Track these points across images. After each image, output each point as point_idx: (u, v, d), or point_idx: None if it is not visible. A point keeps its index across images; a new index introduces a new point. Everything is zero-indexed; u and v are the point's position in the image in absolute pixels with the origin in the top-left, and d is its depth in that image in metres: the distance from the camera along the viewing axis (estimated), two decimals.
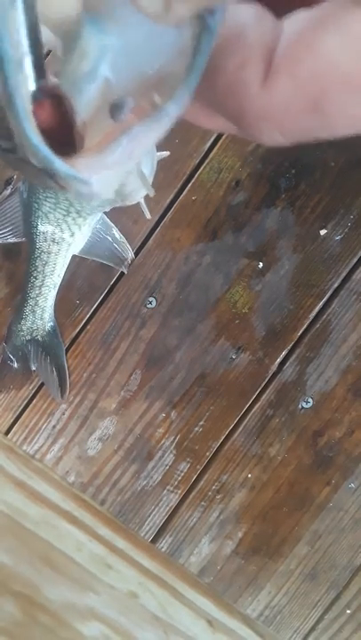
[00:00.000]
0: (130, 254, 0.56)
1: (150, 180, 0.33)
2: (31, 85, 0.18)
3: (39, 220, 0.49)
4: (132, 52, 0.18)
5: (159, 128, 0.18)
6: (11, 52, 0.16)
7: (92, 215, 0.48)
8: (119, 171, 0.21)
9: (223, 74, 0.18)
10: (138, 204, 0.45)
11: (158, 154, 0.45)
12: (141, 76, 0.18)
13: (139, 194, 0.34)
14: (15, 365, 0.59)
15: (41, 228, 0.50)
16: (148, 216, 0.45)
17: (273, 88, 0.17)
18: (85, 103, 0.19)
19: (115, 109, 0.18)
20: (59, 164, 0.18)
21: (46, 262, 0.53)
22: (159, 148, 0.40)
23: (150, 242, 0.58)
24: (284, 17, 0.18)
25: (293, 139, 0.19)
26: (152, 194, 0.32)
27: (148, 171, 0.32)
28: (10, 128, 0.18)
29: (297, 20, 0.17)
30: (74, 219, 0.48)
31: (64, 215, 0.47)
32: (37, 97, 0.18)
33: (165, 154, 0.48)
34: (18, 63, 0.17)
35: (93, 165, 0.19)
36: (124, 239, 0.55)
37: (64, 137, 0.20)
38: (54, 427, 0.60)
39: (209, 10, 0.17)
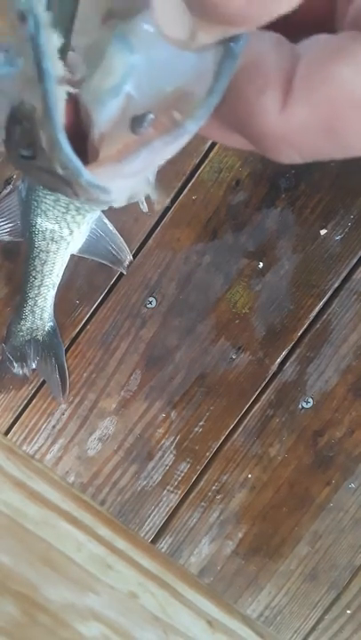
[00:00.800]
0: (128, 256, 0.56)
1: (152, 181, 0.34)
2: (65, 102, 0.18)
3: (38, 219, 0.49)
4: (155, 70, 0.19)
5: (177, 143, 0.19)
6: (52, 69, 0.17)
7: (91, 213, 0.48)
8: (136, 180, 0.21)
9: (243, 99, 0.19)
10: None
11: None
12: (162, 93, 0.19)
13: (141, 195, 0.34)
14: (15, 369, 0.59)
15: (40, 226, 0.50)
16: (145, 209, 0.45)
17: (291, 114, 0.18)
18: (106, 116, 0.19)
19: (136, 123, 0.19)
20: (86, 174, 0.19)
21: (45, 261, 0.53)
22: None
23: (150, 242, 0.58)
24: (299, 42, 0.19)
25: (311, 159, 0.20)
26: (154, 195, 0.32)
27: (152, 174, 0.32)
28: (32, 137, 0.19)
29: (313, 48, 0.18)
30: (73, 216, 0.48)
31: (63, 213, 0.47)
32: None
33: None
34: (58, 80, 0.17)
35: (112, 174, 0.19)
36: (121, 240, 0.55)
37: (77, 144, 0.20)
38: (54, 427, 0.60)
39: (232, 37, 0.17)
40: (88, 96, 0.19)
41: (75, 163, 0.18)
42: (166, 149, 0.19)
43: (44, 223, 0.49)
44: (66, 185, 0.20)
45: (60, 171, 0.19)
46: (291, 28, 0.20)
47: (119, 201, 0.23)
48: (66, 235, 0.51)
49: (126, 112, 0.19)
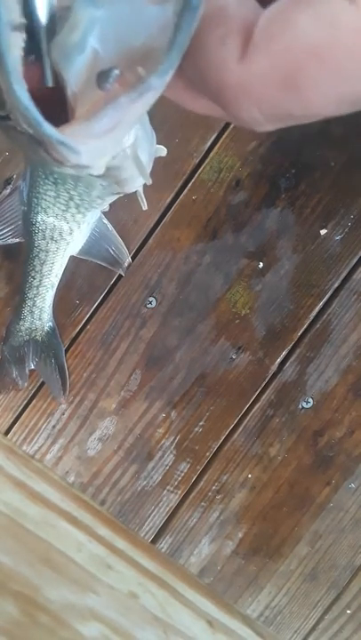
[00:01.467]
0: (127, 258, 0.56)
1: (148, 169, 0.33)
2: (21, 50, 0.18)
3: (38, 216, 0.49)
4: (119, 24, 0.18)
5: (143, 100, 0.19)
6: (4, 14, 0.17)
7: (92, 211, 0.48)
8: (108, 141, 0.21)
9: (204, 49, 0.19)
10: (136, 194, 0.45)
11: (157, 146, 0.45)
12: (127, 49, 0.19)
13: (136, 181, 0.34)
14: (14, 376, 0.59)
15: (40, 224, 0.50)
16: (145, 207, 0.45)
17: (250, 63, 0.18)
18: (75, 74, 0.19)
19: (101, 78, 0.19)
20: (46, 127, 0.19)
21: (44, 261, 0.53)
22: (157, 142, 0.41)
23: (150, 242, 0.58)
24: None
25: (271, 117, 0.20)
26: (149, 182, 0.33)
27: (146, 158, 0.32)
28: (2, 95, 0.19)
29: (277, 3, 0.18)
30: (73, 215, 0.48)
31: (63, 210, 0.47)
32: (30, 63, 0.19)
33: (163, 151, 0.47)
34: (10, 26, 0.17)
35: (81, 133, 0.19)
36: (121, 242, 0.55)
37: (59, 112, 0.20)
38: (54, 427, 0.60)
39: None
40: (57, 53, 0.19)
41: (32, 112, 0.18)
42: (133, 106, 0.19)
43: (44, 221, 0.49)
44: (38, 145, 0.20)
45: (24, 125, 0.19)
46: None
47: (96, 166, 0.23)
48: (66, 234, 0.50)
49: (94, 69, 0.19)
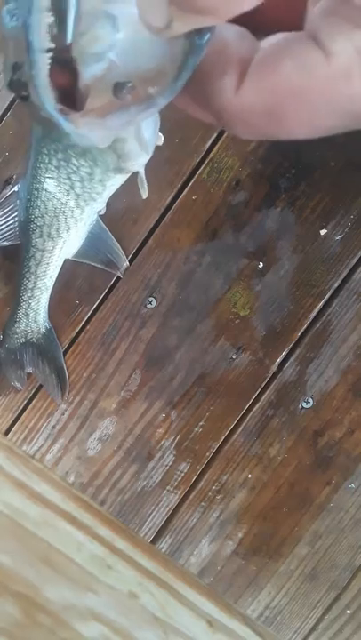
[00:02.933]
0: (124, 262, 0.56)
1: (151, 145, 0.37)
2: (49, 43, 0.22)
3: (37, 211, 0.49)
4: (136, 48, 0.23)
5: (148, 112, 0.24)
6: (37, 43, 0.22)
7: (89, 208, 0.48)
8: (112, 134, 0.26)
9: (207, 78, 0.23)
10: (135, 196, 0.46)
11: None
12: (141, 69, 0.23)
13: (138, 156, 0.38)
14: (11, 378, 0.59)
15: (38, 221, 0.50)
16: (145, 195, 0.46)
17: (242, 95, 0.22)
18: (90, 72, 0.23)
19: (118, 88, 0.23)
20: (62, 121, 0.23)
21: (39, 262, 0.53)
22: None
23: (150, 242, 0.58)
24: (265, 38, 0.23)
25: (261, 136, 0.25)
26: (149, 154, 0.37)
27: (150, 134, 0.36)
28: (26, 83, 0.23)
29: (271, 43, 0.22)
30: (71, 209, 0.48)
31: (62, 204, 0.47)
32: (56, 59, 0.23)
33: (160, 139, 0.48)
34: (41, 50, 0.22)
35: (94, 125, 0.24)
36: (117, 245, 0.55)
37: (68, 91, 0.24)
38: (54, 427, 0.60)
39: (199, 31, 0.21)
40: (77, 52, 0.23)
41: (51, 111, 0.23)
42: (139, 115, 0.24)
43: (42, 216, 0.49)
44: (52, 124, 0.24)
45: (42, 112, 0.24)
46: (265, 25, 0.23)
47: (102, 144, 0.27)
48: (63, 230, 0.50)
49: (109, 75, 0.23)
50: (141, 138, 0.34)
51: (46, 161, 0.43)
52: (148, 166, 0.57)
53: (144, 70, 0.23)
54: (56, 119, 0.24)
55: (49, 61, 0.23)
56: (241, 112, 0.23)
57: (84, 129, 0.24)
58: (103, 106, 0.24)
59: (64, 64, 0.24)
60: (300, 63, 0.21)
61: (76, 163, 0.41)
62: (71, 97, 0.25)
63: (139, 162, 0.39)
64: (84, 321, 0.59)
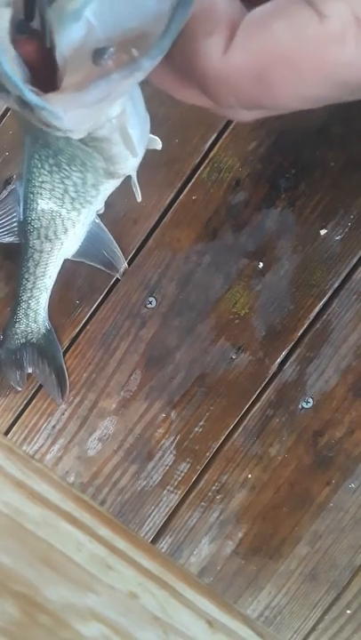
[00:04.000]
0: (122, 263, 0.56)
1: (140, 149, 0.36)
2: (9, 19, 0.21)
3: (33, 213, 0.49)
4: (116, 5, 0.21)
5: (132, 78, 0.21)
6: None
7: (87, 208, 0.48)
8: (93, 110, 0.23)
9: (193, 40, 0.21)
10: (133, 194, 0.46)
11: (152, 137, 0.45)
12: (122, 29, 0.21)
13: (126, 160, 0.37)
14: (11, 379, 0.59)
15: (35, 223, 0.50)
16: (139, 198, 0.46)
17: (231, 57, 0.21)
18: (67, 40, 0.21)
19: (97, 54, 0.21)
20: (28, 93, 0.21)
21: (38, 263, 0.53)
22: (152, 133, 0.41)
23: (150, 242, 0.58)
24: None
25: (245, 105, 0.23)
26: (135, 156, 0.35)
27: (137, 136, 0.34)
28: None
29: (260, 8, 0.21)
30: (68, 211, 0.48)
31: (59, 207, 0.47)
32: (21, 31, 0.21)
33: (158, 143, 0.48)
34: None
35: (70, 102, 0.22)
36: (116, 246, 0.55)
37: (48, 77, 0.22)
38: (54, 427, 0.60)
39: None
40: (53, 16, 0.21)
41: (14, 80, 0.21)
42: (122, 83, 0.21)
43: (39, 219, 0.49)
44: (27, 108, 0.23)
45: (10, 88, 0.22)
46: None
47: (78, 130, 0.25)
48: (60, 233, 0.50)
49: (88, 42, 0.21)
50: (127, 136, 0.32)
51: (39, 166, 0.43)
52: (148, 166, 0.57)
53: (125, 31, 0.21)
54: (25, 94, 0.21)
55: (9, 15, 0.20)
56: (227, 76, 0.21)
57: (58, 107, 0.22)
58: (81, 78, 0.22)
59: (33, 35, 0.22)
60: (292, 24, 0.20)
61: (67, 168, 0.41)
62: (49, 83, 0.22)
63: (128, 165, 0.38)
64: (84, 321, 0.59)
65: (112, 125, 0.30)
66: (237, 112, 0.26)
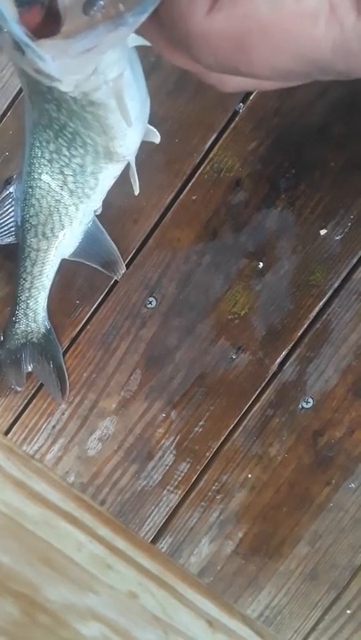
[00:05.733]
0: (121, 265, 0.56)
1: (138, 124, 0.37)
2: None
3: (31, 210, 0.49)
4: None
5: (118, 32, 0.23)
6: None
7: (84, 206, 0.48)
8: (81, 62, 0.25)
9: (179, 1, 0.23)
10: (130, 186, 0.46)
11: (150, 128, 0.46)
12: None
13: (124, 135, 0.37)
14: (11, 379, 0.59)
15: (32, 220, 0.50)
16: (137, 191, 0.46)
17: (213, 19, 0.22)
18: None
19: (88, 5, 0.23)
20: (14, 26, 0.23)
21: (35, 262, 0.53)
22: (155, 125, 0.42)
23: (150, 242, 0.58)
24: None
25: (224, 68, 0.25)
26: (130, 125, 0.36)
27: (136, 109, 0.35)
28: None
29: None
30: (66, 207, 0.48)
31: (57, 201, 0.47)
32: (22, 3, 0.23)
33: (156, 136, 0.48)
34: None
35: (58, 48, 0.23)
36: (114, 247, 0.55)
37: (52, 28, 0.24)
38: (54, 427, 0.60)
39: None
40: None
41: (5, 15, 0.22)
42: (108, 36, 0.23)
43: (36, 216, 0.49)
44: (20, 51, 0.24)
45: (6, 28, 0.23)
46: None
47: (66, 81, 0.27)
48: (57, 230, 0.50)
49: None
50: (122, 103, 0.33)
51: (39, 155, 0.43)
52: (148, 166, 0.57)
53: None
54: (13, 30, 0.23)
55: None
56: (209, 36, 0.23)
57: (47, 53, 0.23)
58: (71, 28, 0.23)
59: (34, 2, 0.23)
60: None
61: (67, 154, 0.41)
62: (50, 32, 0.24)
63: (126, 142, 0.39)
64: (84, 321, 0.59)
65: (108, 88, 0.32)
66: (222, 79, 0.28)
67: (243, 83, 0.29)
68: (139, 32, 0.25)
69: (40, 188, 0.47)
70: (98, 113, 0.35)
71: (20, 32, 0.23)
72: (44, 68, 0.25)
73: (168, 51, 0.27)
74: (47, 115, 0.37)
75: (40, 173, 0.45)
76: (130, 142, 0.39)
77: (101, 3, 0.23)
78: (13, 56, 0.26)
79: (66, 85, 0.29)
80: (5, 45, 0.25)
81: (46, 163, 0.43)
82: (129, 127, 0.37)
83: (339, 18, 0.21)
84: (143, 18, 0.23)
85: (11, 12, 0.23)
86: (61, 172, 0.44)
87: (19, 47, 0.24)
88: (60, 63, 0.24)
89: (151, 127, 0.46)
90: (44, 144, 0.42)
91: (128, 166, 0.45)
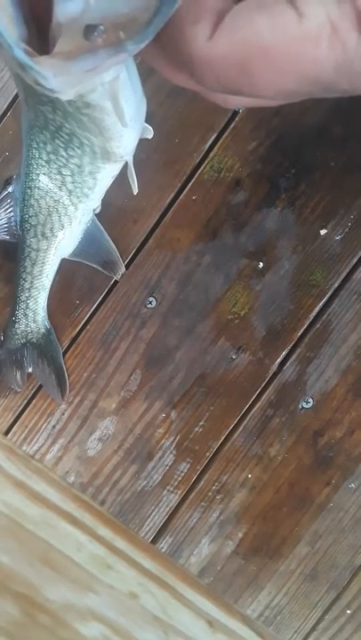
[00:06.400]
0: (120, 265, 0.56)
1: (134, 125, 0.37)
2: None
3: (31, 210, 0.49)
4: None
5: (118, 58, 0.23)
6: None
7: (84, 203, 0.48)
8: (81, 79, 0.25)
9: (181, 24, 0.23)
10: (129, 185, 0.46)
11: (145, 125, 0.46)
12: (114, 12, 0.23)
13: (120, 135, 0.38)
14: (11, 379, 0.59)
15: (31, 220, 0.50)
16: (136, 191, 0.46)
17: (215, 44, 0.23)
18: (65, 10, 0.24)
19: (89, 30, 0.23)
20: (18, 52, 0.23)
21: (35, 261, 0.53)
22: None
23: (150, 242, 0.58)
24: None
25: (228, 91, 0.25)
26: (125, 126, 0.37)
27: (131, 110, 0.35)
28: None
29: (247, 1, 0.23)
30: (65, 207, 0.48)
31: (55, 201, 0.47)
32: None
33: (150, 132, 0.48)
34: None
35: (58, 68, 0.24)
36: (113, 247, 0.55)
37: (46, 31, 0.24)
38: (54, 427, 0.60)
39: None
40: None
41: (7, 37, 0.23)
42: (108, 60, 0.24)
43: (35, 216, 0.49)
44: (20, 66, 0.24)
45: (7, 48, 0.24)
46: None
47: (66, 92, 0.27)
48: (57, 230, 0.50)
49: (83, 17, 0.23)
50: (117, 104, 0.34)
51: (36, 155, 0.43)
52: (148, 166, 0.57)
53: (117, 15, 0.23)
54: (15, 53, 0.23)
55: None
56: (212, 61, 0.23)
57: (48, 72, 0.24)
58: (72, 49, 0.24)
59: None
60: (273, 20, 0.21)
61: (64, 154, 0.41)
62: (44, 47, 0.24)
63: (123, 143, 0.39)
64: (84, 321, 0.59)
65: (104, 90, 0.32)
66: (226, 98, 0.29)
67: (248, 101, 0.29)
68: (139, 54, 0.25)
69: (39, 188, 0.47)
70: (94, 114, 0.35)
71: (21, 55, 0.23)
72: (45, 85, 0.25)
73: (169, 71, 0.27)
74: (43, 116, 0.37)
75: (38, 174, 0.45)
76: (126, 143, 0.39)
77: (102, 28, 0.23)
78: (9, 61, 0.26)
79: (65, 96, 0.29)
80: (4, 55, 0.25)
81: (44, 163, 0.43)
82: (125, 128, 0.37)
83: (341, 38, 0.21)
84: (143, 45, 0.23)
85: (12, 35, 0.23)
86: (59, 173, 0.44)
87: (20, 65, 0.24)
88: (61, 80, 0.25)
89: (145, 124, 0.46)
90: (41, 145, 0.42)
91: (127, 166, 0.45)
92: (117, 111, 0.34)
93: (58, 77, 0.24)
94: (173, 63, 0.26)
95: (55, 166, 0.43)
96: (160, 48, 0.25)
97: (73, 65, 0.24)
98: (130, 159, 0.43)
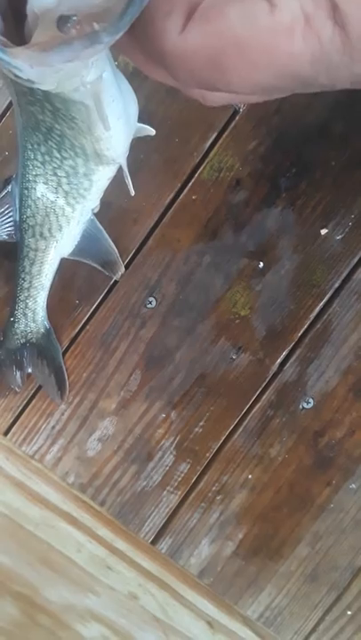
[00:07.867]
0: (120, 265, 0.56)
1: (114, 124, 0.37)
2: None
3: (28, 211, 0.49)
4: None
5: (92, 48, 0.23)
6: None
7: (81, 204, 0.48)
8: (57, 70, 0.25)
9: (153, 18, 0.23)
10: (123, 179, 0.46)
11: (145, 126, 0.46)
12: (90, 4, 0.23)
13: (110, 138, 0.37)
14: (10, 379, 0.59)
15: (29, 220, 0.50)
16: (132, 192, 0.46)
17: (187, 37, 0.22)
18: (39, 1, 0.24)
19: (62, 21, 0.23)
20: None
21: (33, 261, 0.53)
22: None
23: (150, 242, 0.58)
24: None
25: (202, 86, 0.24)
26: (107, 129, 0.36)
27: (117, 111, 0.35)
28: None
29: None
30: (62, 208, 0.48)
31: (52, 202, 0.47)
32: None
33: (151, 131, 0.48)
34: None
35: (34, 59, 0.24)
36: (113, 247, 0.55)
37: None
38: (54, 427, 0.60)
39: None
40: None
41: None
42: (83, 51, 0.23)
43: (33, 217, 0.49)
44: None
45: None
46: None
47: (44, 82, 0.27)
48: (55, 230, 0.50)
49: (58, 8, 0.23)
50: (99, 104, 0.33)
51: (32, 157, 0.43)
52: (148, 166, 0.57)
53: (91, 6, 0.23)
54: None
55: None
56: (184, 55, 0.22)
57: (24, 63, 0.24)
58: (47, 40, 0.23)
59: None
60: (245, 11, 0.21)
61: (58, 156, 0.41)
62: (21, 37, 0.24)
63: (112, 145, 0.38)
64: (83, 321, 0.59)
65: (86, 91, 0.31)
66: (204, 95, 0.28)
67: (227, 97, 0.28)
68: (116, 48, 0.25)
69: (35, 189, 0.47)
70: (78, 115, 0.35)
71: (5, 56, 0.23)
72: (21, 76, 0.25)
73: (147, 67, 0.27)
74: (34, 117, 0.37)
75: (35, 175, 0.45)
76: (116, 144, 0.39)
77: (75, 19, 0.23)
78: None
79: (47, 86, 0.29)
80: None
81: (39, 165, 0.43)
82: (107, 130, 0.36)
83: (315, 30, 0.20)
84: (117, 36, 0.23)
85: None
86: (55, 174, 0.44)
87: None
88: (38, 70, 0.24)
89: (143, 125, 0.46)
90: (36, 146, 0.42)
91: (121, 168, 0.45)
92: (100, 113, 0.34)
93: (35, 67, 0.24)
94: (150, 58, 0.25)
95: (50, 167, 0.43)
96: (137, 43, 0.24)
97: (48, 56, 0.23)
98: (123, 162, 0.42)
